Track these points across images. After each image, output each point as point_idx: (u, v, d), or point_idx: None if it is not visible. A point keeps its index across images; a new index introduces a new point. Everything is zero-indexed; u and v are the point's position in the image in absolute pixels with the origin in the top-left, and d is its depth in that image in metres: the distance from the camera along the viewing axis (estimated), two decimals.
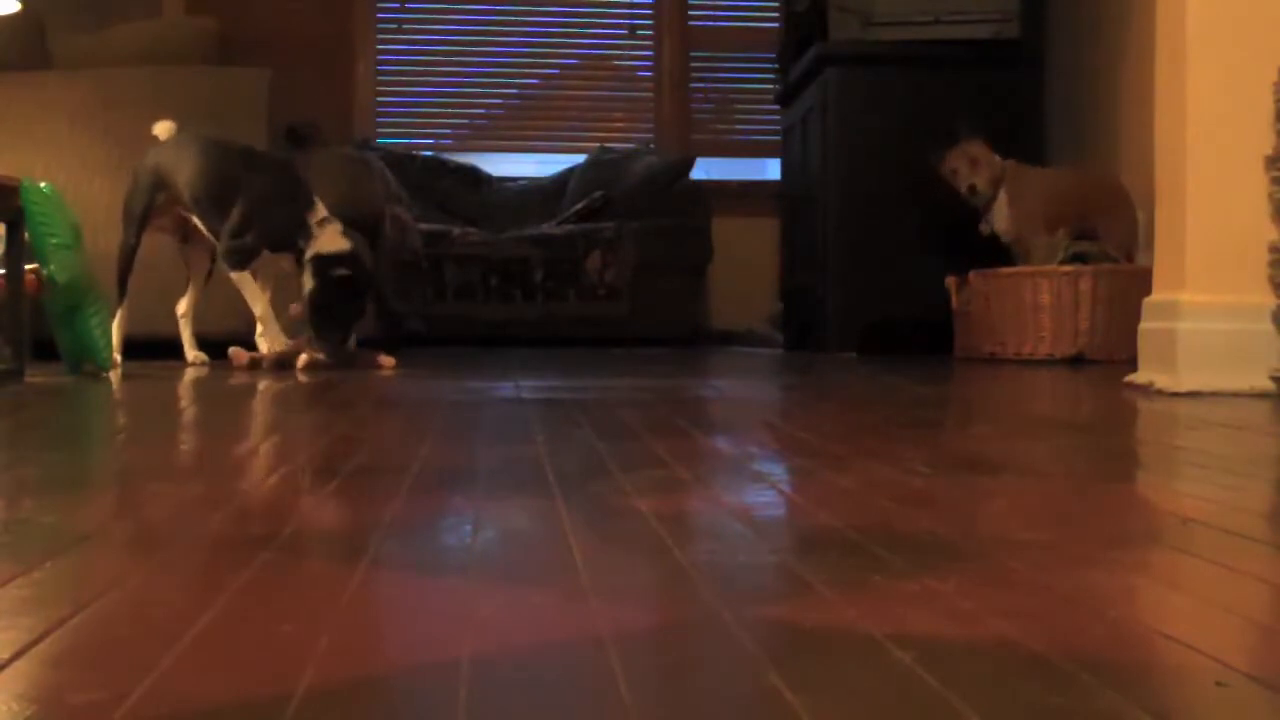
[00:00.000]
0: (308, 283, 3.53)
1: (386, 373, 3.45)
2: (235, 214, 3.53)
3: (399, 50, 6.49)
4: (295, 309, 3.65)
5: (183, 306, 3.80)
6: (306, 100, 5.64)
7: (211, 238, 3.63)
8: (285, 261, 3.60)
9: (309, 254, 3.52)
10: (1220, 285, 2.66)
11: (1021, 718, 0.59)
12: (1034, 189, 4.38)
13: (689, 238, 5.76)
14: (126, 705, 0.59)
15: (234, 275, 3.56)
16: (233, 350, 3.67)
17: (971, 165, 4.39)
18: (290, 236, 3.55)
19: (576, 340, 4.23)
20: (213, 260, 3.76)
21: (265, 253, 3.57)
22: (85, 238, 3.16)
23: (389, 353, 3.73)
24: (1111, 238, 4.26)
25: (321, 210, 3.58)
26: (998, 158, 4.40)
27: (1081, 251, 4.17)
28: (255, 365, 3.60)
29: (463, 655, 0.68)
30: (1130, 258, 4.25)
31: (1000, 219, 4.39)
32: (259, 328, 3.70)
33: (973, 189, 4.37)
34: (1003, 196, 4.37)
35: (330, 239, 3.54)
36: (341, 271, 3.49)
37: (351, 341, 3.65)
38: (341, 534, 1.05)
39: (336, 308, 3.53)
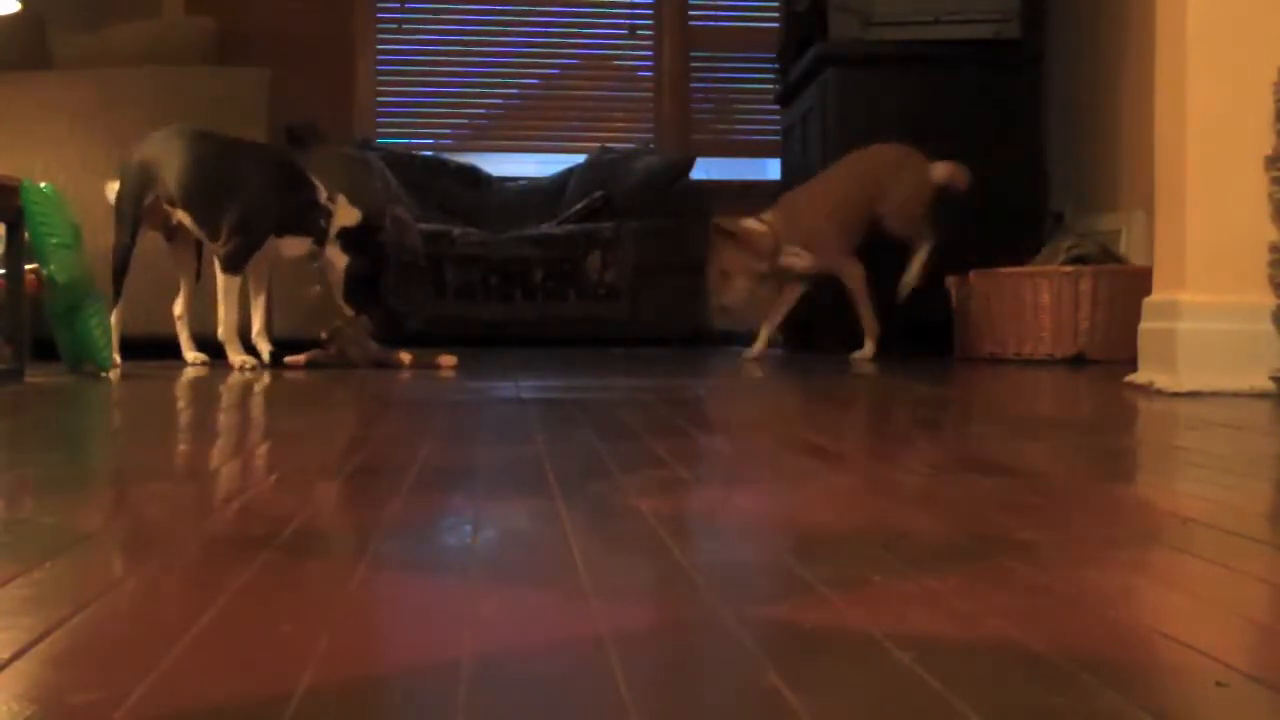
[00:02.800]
0: (339, 260, 3.62)
1: (447, 374, 3.47)
2: (234, 210, 3.53)
3: (399, 50, 6.49)
4: (317, 291, 3.69)
5: (179, 308, 3.78)
6: (306, 100, 5.65)
7: (200, 234, 3.61)
8: (289, 246, 3.61)
9: (334, 231, 3.59)
10: (1220, 285, 2.66)
11: (1021, 718, 0.59)
12: (811, 213, 4.14)
13: (689, 238, 5.75)
14: (126, 705, 0.59)
15: (225, 277, 3.55)
16: (289, 359, 3.68)
17: (723, 278, 4.09)
18: (304, 219, 3.58)
19: (576, 340, 4.22)
20: (199, 258, 3.75)
21: (271, 239, 3.58)
22: (85, 238, 3.16)
23: (450, 353, 3.79)
24: (889, 215, 4.17)
25: (323, 189, 3.63)
26: (754, 228, 4.10)
27: (1082, 252, 4.17)
28: (312, 364, 3.63)
29: (463, 655, 0.68)
30: (908, 222, 4.16)
31: (801, 262, 4.14)
32: (254, 326, 3.70)
33: (724, 309, 4.16)
34: (788, 248, 4.13)
35: (346, 213, 3.63)
36: (376, 239, 3.65)
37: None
38: (341, 534, 1.05)
39: (375, 279, 3.66)
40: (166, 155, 3.58)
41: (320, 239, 3.61)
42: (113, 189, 3.68)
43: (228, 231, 3.53)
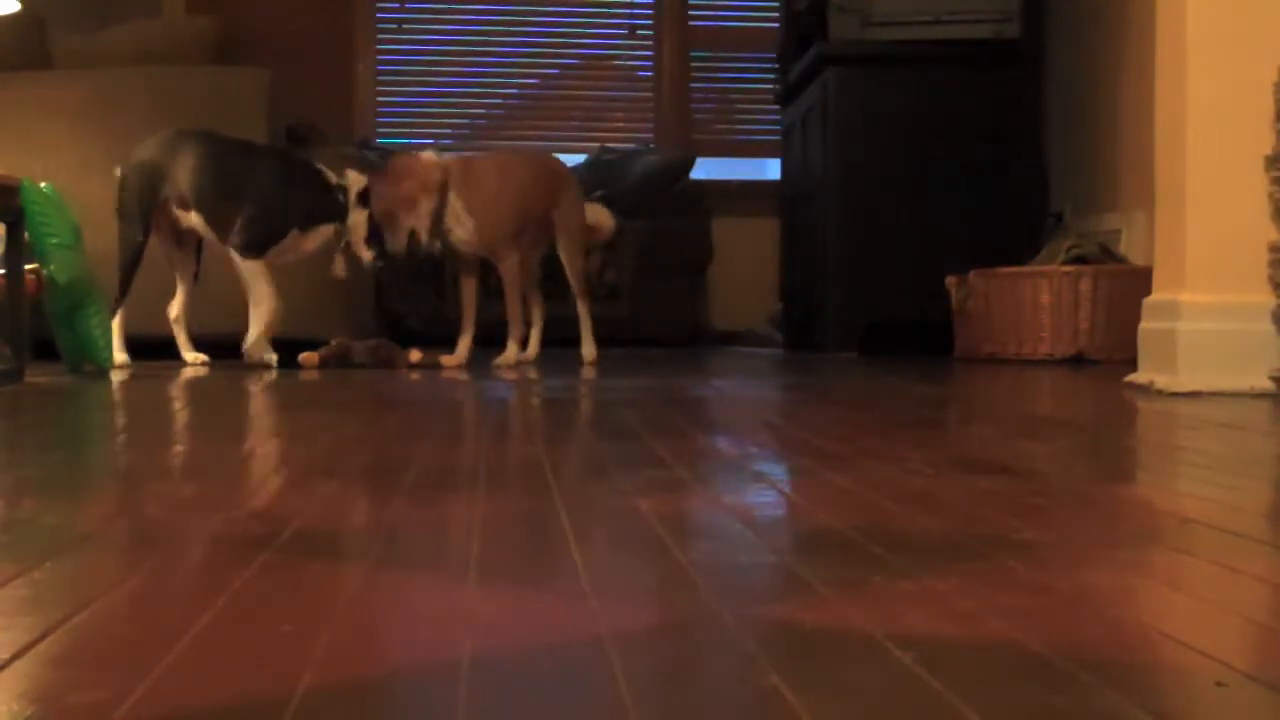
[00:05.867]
0: (361, 218, 3.66)
1: (450, 373, 3.47)
2: (248, 206, 3.54)
3: (399, 50, 6.49)
4: (339, 268, 3.70)
5: (175, 310, 3.76)
6: (306, 100, 5.64)
7: (211, 234, 3.61)
8: (313, 239, 3.65)
9: (353, 196, 3.66)
10: (1220, 285, 2.66)
11: (1021, 718, 0.59)
12: (494, 182, 3.72)
13: (689, 238, 5.75)
14: (126, 705, 0.59)
15: (247, 265, 3.57)
16: (303, 356, 3.68)
17: (388, 219, 3.60)
18: (326, 207, 3.64)
19: (577, 340, 4.24)
20: (199, 261, 3.75)
21: (295, 234, 3.62)
22: (85, 238, 3.16)
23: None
24: (562, 229, 3.91)
25: (329, 174, 3.67)
26: (428, 158, 3.68)
27: (1082, 252, 4.17)
28: (326, 364, 3.63)
29: (463, 655, 0.68)
30: (577, 243, 3.96)
31: (460, 229, 3.66)
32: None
33: (394, 254, 3.65)
34: (455, 202, 3.64)
35: (355, 180, 3.69)
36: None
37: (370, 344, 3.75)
38: (341, 534, 1.05)
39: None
40: (175, 158, 3.57)
41: (343, 216, 3.66)
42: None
43: (240, 225, 3.54)
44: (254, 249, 3.56)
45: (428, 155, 3.71)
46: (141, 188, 3.60)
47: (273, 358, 3.61)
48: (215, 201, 3.56)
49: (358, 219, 3.67)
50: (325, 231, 3.67)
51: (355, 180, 3.69)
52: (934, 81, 4.74)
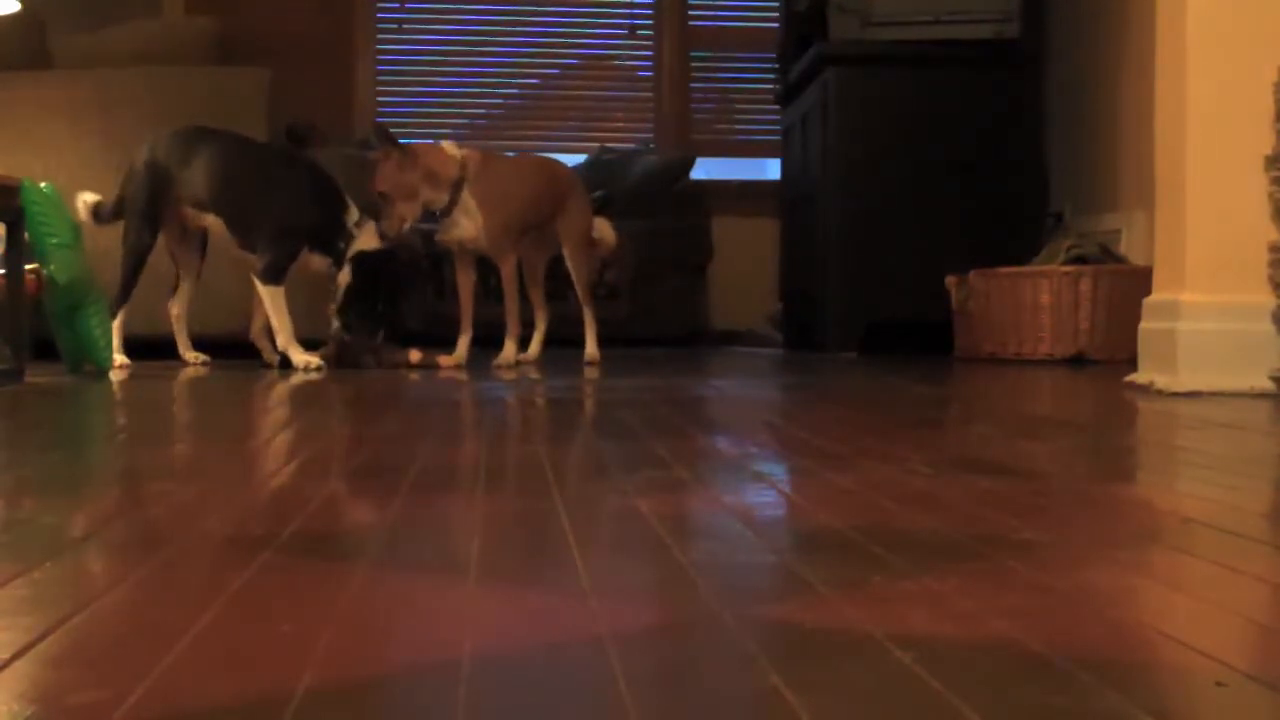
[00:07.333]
0: (345, 279, 3.56)
1: (448, 372, 3.45)
2: (272, 220, 3.49)
3: (399, 50, 6.49)
4: (334, 310, 3.67)
5: (176, 307, 3.72)
6: (306, 100, 5.64)
7: (229, 236, 3.54)
8: (317, 261, 3.59)
9: (350, 252, 3.56)
10: (1220, 285, 2.66)
11: (1021, 718, 0.59)
12: (510, 181, 3.70)
13: (689, 238, 5.75)
14: (126, 705, 0.59)
15: (268, 289, 3.48)
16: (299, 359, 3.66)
17: (382, 200, 3.51)
18: (329, 237, 3.55)
19: (577, 340, 4.23)
20: (203, 258, 3.72)
21: (305, 251, 3.56)
22: (85, 238, 3.16)
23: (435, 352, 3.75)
24: (568, 235, 3.87)
25: (355, 211, 3.58)
26: (447, 150, 3.61)
27: (1082, 252, 4.16)
28: (325, 364, 3.59)
29: (463, 655, 0.68)
30: (583, 249, 3.93)
31: (466, 226, 3.63)
32: (254, 325, 3.69)
33: (384, 236, 3.56)
34: (468, 200, 3.60)
35: (369, 238, 3.58)
36: (386, 268, 3.59)
37: (379, 337, 3.69)
38: (341, 534, 1.05)
39: (373, 304, 3.60)
40: (192, 156, 3.50)
41: (338, 262, 3.56)
42: (85, 201, 3.55)
43: (264, 243, 3.48)
44: (273, 274, 3.48)
45: (446, 147, 3.63)
46: (152, 186, 3.51)
47: (311, 360, 3.51)
48: (237, 206, 3.50)
49: (343, 278, 3.55)
50: (325, 260, 3.58)
51: (367, 238, 3.56)
52: (934, 81, 4.74)
